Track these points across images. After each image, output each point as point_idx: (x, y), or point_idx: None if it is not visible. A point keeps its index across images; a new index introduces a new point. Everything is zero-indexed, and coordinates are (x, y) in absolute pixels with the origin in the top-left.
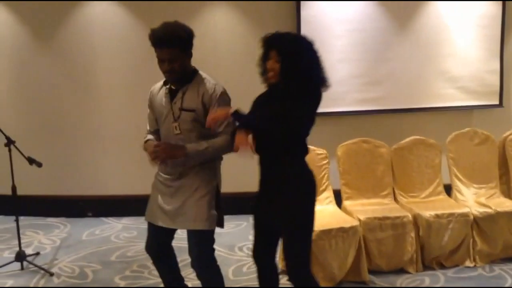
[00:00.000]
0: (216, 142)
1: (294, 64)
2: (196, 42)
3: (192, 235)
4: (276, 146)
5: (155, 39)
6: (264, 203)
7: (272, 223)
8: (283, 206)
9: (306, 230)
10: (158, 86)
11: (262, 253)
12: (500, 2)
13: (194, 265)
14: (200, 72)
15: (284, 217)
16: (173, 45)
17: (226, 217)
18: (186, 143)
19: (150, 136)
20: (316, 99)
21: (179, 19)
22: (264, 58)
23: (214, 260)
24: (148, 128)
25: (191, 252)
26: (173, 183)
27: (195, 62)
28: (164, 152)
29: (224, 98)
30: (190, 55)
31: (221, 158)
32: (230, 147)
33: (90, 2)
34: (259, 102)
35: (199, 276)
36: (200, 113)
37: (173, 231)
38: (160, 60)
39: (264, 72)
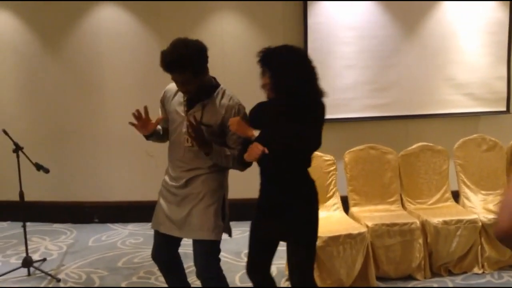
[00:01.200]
0: (235, 154)
1: (283, 79)
2: None
3: (198, 245)
4: (280, 160)
5: (164, 65)
6: (266, 215)
7: (272, 236)
8: (286, 217)
9: (310, 241)
10: (174, 88)
11: (258, 265)
12: (508, 9)
13: (199, 274)
14: (222, 86)
15: (288, 228)
16: (183, 69)
17: (232, 224)
18: (195, 154)
19: None
20: (322, 116)
21: (186, 26)
22: (262, 73)
23: (219, 270)
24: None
25: (196, 261)
26: (180, 191)
27: None
28: (197, 136)
29: (244, 118)
30: (206, 71)
31: (228, 168)
32: (239, 165)
33: (98, 9)
34: (265, 117)
35: (204, 286)
36: (216, 128)
37: (179, 239)
38: (174, 82)
39: (263, 87)
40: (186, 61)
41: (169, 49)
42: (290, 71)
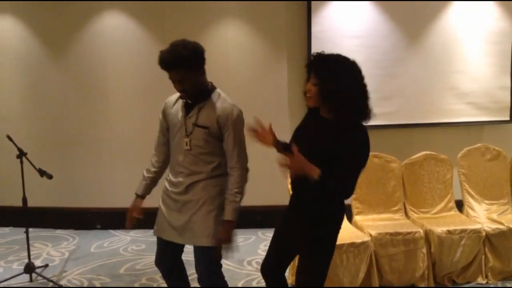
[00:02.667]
0: (239, 188)
1: (330, 89)
2: (207, 57)
3: (199, 251)
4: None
5: (161, 62)
6: (290, 222)
7: (292, 242)
8: (305, 229)
9: (323, 258)
10: (173, 99)
11: (273, 267)
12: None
13: (200, 280)
14: (218, 90)
15: (304, 240)
16: (178, 66)
17: (234, 231)
18: (195, 159)
19: (140, 188)
20: (366, 156)
21: (190, 33)
22: (307, 79)
23: (221, 276)
24: (155, 144)
25: (197, 268)
26: (180, 198)
27: (207, 76)
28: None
29: (240, 121)
30: (202, 72)
31: (227, 173)
32: (245, 182)
33: (103, 15)
34: (305, 134)
35: None
36: (214, 131)
37: (182, 245)
38: (172, 81)
39: (305, 93)
40: (183, 58)
41: (167, 48)
42: (342, 80)
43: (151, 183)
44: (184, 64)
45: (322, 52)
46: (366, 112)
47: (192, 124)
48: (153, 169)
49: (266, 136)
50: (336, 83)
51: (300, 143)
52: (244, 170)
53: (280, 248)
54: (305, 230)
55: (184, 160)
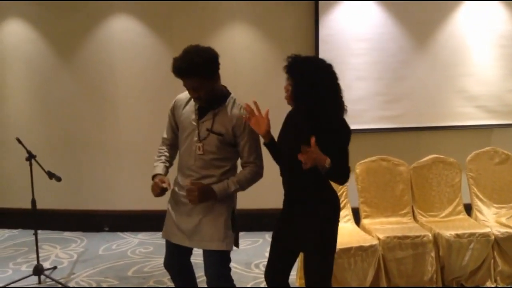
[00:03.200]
0: (242, 180)
1: (302, 87)
2: None
3: (208, 255)
4: (304, 171)
5: (175, 70)
6: (287, 224)
7: (292, 244)
8: (307, 228)
9: (329, 252)
10: (184, 97)
11: (276, 273)
12: None
13: (209, 284)
14: (232, 95)
15: (307, 239)
16: (193, 75)
17: (242, 234)
18: (206, 163)
19: (158, 169)
20: (348, 140)
21: (198, 36)
22: (286, 80)
23: (230, 280)
24: (164, 135)
25: (206, 271)
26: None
27: None
28: (197, 198)
29: (254, 130)
30: (217, 78)
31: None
32: (255, 180)
33: (111, 20)
34: (289, 134)
35: None
36: (228, 137)
37: (191, 248)
38: (186, 88)
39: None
40: (197, 66)
41: (181, 55)
42: (313, 78)
43: (168, 164)
44: (198, 72)
45: (298, 55)
46: (339, 108)
47: (206, 130)
48: (163, 157)
49: (261, 122)
50: (306, 82)
51: (286, 142)
52: (259, 168)
53: (281, 254)
54: (307, 230)
55: (195, 164)
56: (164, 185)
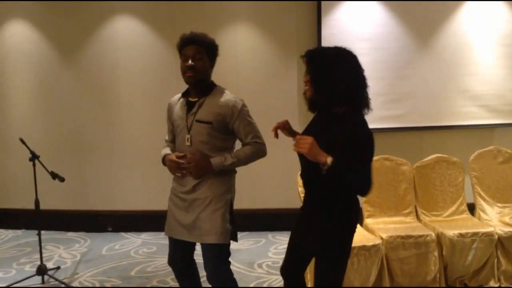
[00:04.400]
0: (241, 155)
1: (320, 76)
2: (217, 59)
3: (207, 249)
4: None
5: (185, 37)
6: (303, 224)
7: (306, 246)
8: (321, 232)
9: (340, 260)
10: (176, 98)
11: (291, 269)
12: None
13: (209, 278)
14: (219, 86)
15: (319, 244)
16: (199, 44)
17: (245, 234)
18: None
19: (167, 150)
20: (372, 148)
21: None
22: (306, 71)
23: (230, 273)
24: (166, 138)
25: (206, 266)
26: (188, 196)
27: (217, 79)
28: (195, 169)
29: (245, 110)
30: (212, 65)
31: (235, 171)
32: (256, 156)
33: (114, 20)
34: (311, 132)
35: None
36: (218, 125)
37: (193, 244)
38: (184, 59)
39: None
40: (204, 38)
41: (192, 31)
42: (332, 67)
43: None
44: (204, 43)
45: (320, 47)
46: (362, 102)
47: (193, 120)
48: (168, 147)
49: (283, 125)
50: (325, 72)
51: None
52: (260, 145)
53: (296, 251)
54: (319, 233)
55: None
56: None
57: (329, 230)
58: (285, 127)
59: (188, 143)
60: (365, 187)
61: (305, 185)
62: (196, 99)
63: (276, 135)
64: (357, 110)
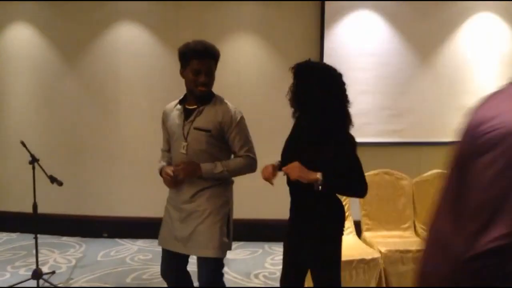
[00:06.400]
0: (231, 166)
1: (305, 91)
2: (219, 69)
3: (203, 262)
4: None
5: (197, 50)
6: (294, 234)
7: (298, 258)
8: (310, 243)
9: (334, 267)
10: (171, 106)
11: (290, 282)
12: None
13: None
14: (217, 95)
15: (312, 253)
16: (213, 57)
17: (242, 244)
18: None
19: (163, 163)
20: (354, 150)
21: None
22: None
23: (223, 284)
24: (162, 148)
25: (200, 278)
26: (185, 207)
27: (218, 87)
28: (183, 171)
29: (243, 123)
30: None
31: (232, 182)
32: (246, 170)
33: (117, 27)
34: (294, 146)
35: None
36: (216, 134)
37: (187, 256)
38: (196, 72)
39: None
40: (215, 49)
41: (202, 40)
42: (316, 84)
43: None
44: (218, 57)
45: (309, 60)
46: (344, 120)
47: (190, 128)
48: (166, 158)
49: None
50: (308, 87)
51: (291, 153)
52: (251, 160)
53: (291, 264)
54: (310, 244)
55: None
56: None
57: (320, 242)
58: (273, 175)
59: (183, 151)
60: (361, 188)
61: (291, 194)
62: (195, 106)
63: (272, 183)
64: (339, 123)
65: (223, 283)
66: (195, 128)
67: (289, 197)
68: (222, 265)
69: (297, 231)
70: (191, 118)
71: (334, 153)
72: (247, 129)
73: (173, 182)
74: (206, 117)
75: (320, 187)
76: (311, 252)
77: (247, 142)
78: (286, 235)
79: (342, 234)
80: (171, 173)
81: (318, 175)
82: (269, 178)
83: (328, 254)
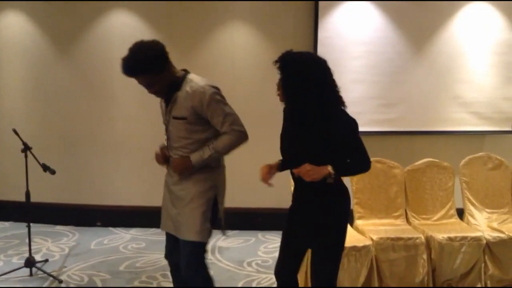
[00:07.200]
0: (219, 145)
1: (291, 82)
2: (213, 58)
3: (185, 245)
4: (313, 162)
5: (124, 72)
6: (297, 219)
7: (301, 240)
8: (316, 223)
9: (337, 249)
10: None
11: (286, 269)
12: None
13: (184, 274)
14: (190, 76)
15: (316, 234)
16: (141, 74)
17: (235, 232)
18: (180, 151)
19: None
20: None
21: (197, 34)
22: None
23: (205, 269)
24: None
25: (182, 260)
26: (174, 188)
27: (213, 77)
28: (176, 168)
29: (216, 99)
30: (168, 68)
31: (222, 167)
32: (236, 144)
33: (111, 15)
34: (292, 138)
35: (189, 286)
36: (192, 119)
37: None
38: (141, 85)
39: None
40: (143, 65)
41: (127, 55)
42: (302, 73)
43: None
44: (146, 70)
45: (291, 51)
46: (334, 103)
47: (170, 117)
48: None
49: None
50: (295, 78)
51: (291, 147)
52: (238, 133)
53: (290, 250)
54: (315, 226)
55: (173, 152)
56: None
57: (325, 223)
58: (271, 173)
59: (167, 140)
60: (367, 166)
61: (295, 181)
62: (170, 95)
63: (269, 183)
64: (333, 107)
65: (204, 267)
66: (173, 117)
67: (283, 186)
68: (203, 250)
69: (301, 215)
70: (169, 107)
71: (335, 138)
72: (223, 101)
73: (161, 160)
74: (180, 104)
75: (332, 179)
76: (317, 235)
77: (226, 116)
78: (288, 219)
79: (347, 219)
80: (158, 152)
81: (330, 169)
82: (265, 179)
83: (331, 239)
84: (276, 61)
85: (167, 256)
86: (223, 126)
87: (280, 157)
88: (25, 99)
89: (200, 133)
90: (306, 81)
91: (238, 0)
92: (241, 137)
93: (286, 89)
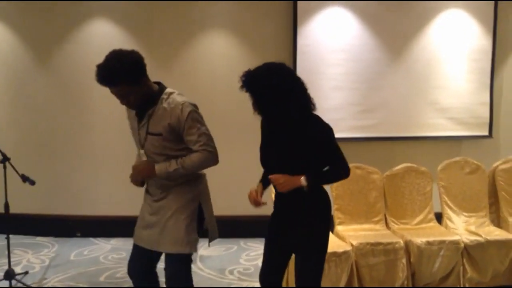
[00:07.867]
0: (186, 162)
1: (262, 99)
2: (193, 66)
3: (168, 258)
4: (294, 171)
5: (99, 79)
6: (279, 225)
7: (285, 245)
8: (299, 227)
9: (321, 252)
10: None
11: (271, 275)
12: (491, 38)
13: (168, 281)
14: (168, 90)
15: (300, 238)
16: (116, 83)
17: (216, 241)
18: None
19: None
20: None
21: (177, 42)
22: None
23: (189, 278)
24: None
25: (166, 274)
26: (155, 204)
27: (192, 86)
28: (138, 175)
29: (193, 117)
30: (144, 81)
31: (203, 177)
32: (204, 164)
33: (90, 24)
34: (272, 147)
35: None
36: (168, 135)
37: (159, 254)
38: (114, 95)
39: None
40: (119, 74)
41: (103, 63)
42: (267, 86)
43: None
44: (121, 80)
45: (249, 70)
46: (308, 105)
47: (145, 133)
48: None
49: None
50: (264, 92)
51: (272, 157)
52: (208, 153)
53: (275, 256)
54: (299, 230)
55: None
56: None
57: (307, 228)
58: (259, 198)
59: (144, 158)
60: (346, 173)
61: (275, 188)
62: (145, 110)
63: (262, 203)
64: (307, 111)
65: (189, 278)
66: (148, 133)
67: (264, 194)
68: (189, 261)
69: (283, 220)
70: (144, 121)
71: (312, 144)
72: (200, 121)
73: (134, 181)
74: (156, 120)
75: (306, 188)
76: (301, 239)
77: (201, 136)
78: (270, 225)
79: (329, 222)
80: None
81: (302, 180)
82: (258, 202)
83: (315, 243)
84: (241, 87)
85: (128, 270)
86: (195, 145)
87: (258, 170)
88: (2, 108)
89: (175, 150)
90: (275, 92)
91: (215, 0)
92: (211, 158)
93: (261, 106)
